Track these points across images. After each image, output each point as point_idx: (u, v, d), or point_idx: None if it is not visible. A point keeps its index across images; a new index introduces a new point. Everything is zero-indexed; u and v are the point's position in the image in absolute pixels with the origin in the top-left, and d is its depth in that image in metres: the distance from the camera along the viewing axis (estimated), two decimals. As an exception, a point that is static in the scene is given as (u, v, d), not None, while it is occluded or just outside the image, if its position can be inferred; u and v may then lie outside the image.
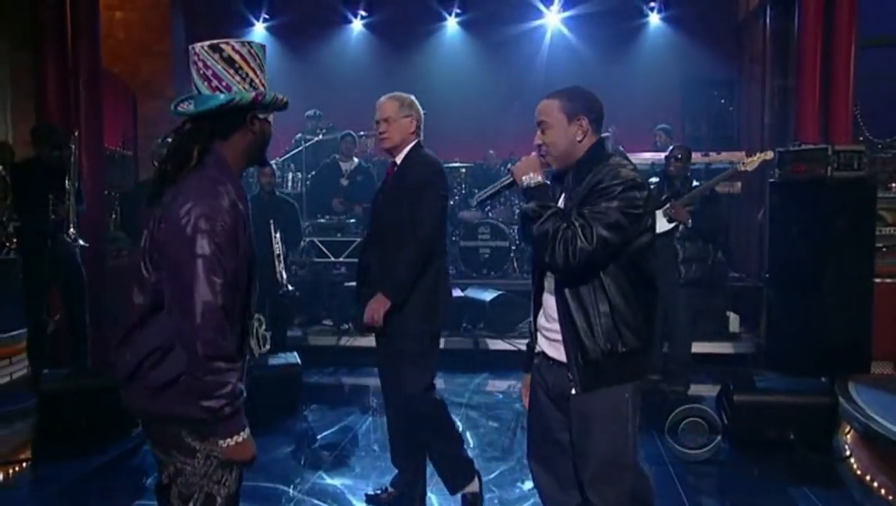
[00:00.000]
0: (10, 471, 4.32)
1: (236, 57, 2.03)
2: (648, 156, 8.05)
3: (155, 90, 8.83)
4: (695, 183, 5.72)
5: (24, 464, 4.44)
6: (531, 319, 2.52)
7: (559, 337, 2.29)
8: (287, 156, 9.01)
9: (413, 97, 3.53)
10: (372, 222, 3.60)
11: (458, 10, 10.23)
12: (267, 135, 2.15)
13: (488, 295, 6.92)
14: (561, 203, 2.34)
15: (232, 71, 2.03)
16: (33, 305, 5.61)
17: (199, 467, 2.06)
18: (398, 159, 3.46)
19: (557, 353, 2.33)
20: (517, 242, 8.01)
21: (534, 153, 2.37)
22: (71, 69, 6.81)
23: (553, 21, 10.15)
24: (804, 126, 6.52)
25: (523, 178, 2.30)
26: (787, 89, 7.35)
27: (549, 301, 2.32)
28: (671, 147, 5.95)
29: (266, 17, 10.49)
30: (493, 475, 4.13)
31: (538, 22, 10.18)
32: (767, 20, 7.85)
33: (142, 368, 2.02)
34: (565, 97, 2.33)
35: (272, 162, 9.19)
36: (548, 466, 2.44)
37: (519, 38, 10.07)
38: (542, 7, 10.06)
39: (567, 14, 10.05)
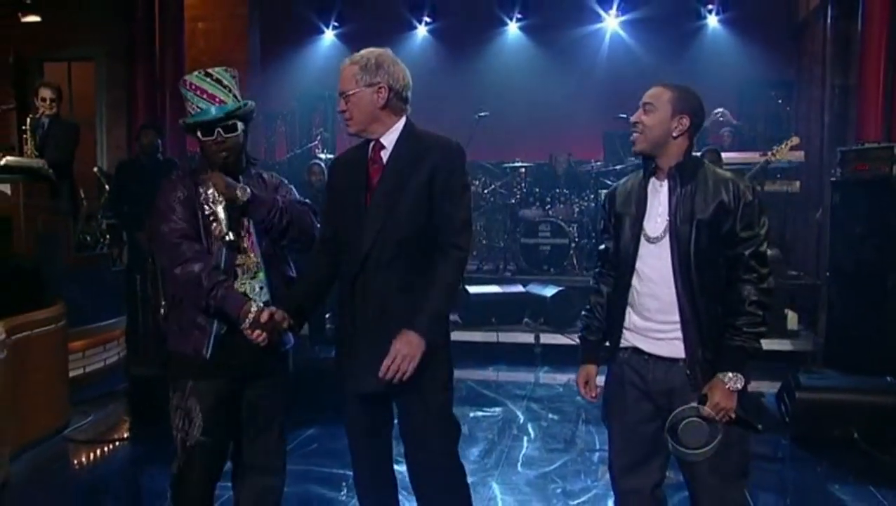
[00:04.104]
0: (106, 449, 4.47)
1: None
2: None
3: (233, 95, 9.01)
4: None
5: (118, 443, 4.58)
6: (596, 315, 2.48)
7: (668, 336, 2.28)
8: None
9: (385, 52, 2.40)
10: (367, 231, 2.35)
11: (520, 16, 10.20)
12: (206, 151, 2.48)
13: (549, 291, 6.85)
14: (663, 200, 2.31)
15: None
16: (132, 297, 5.82)
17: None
18: (386, 141, 2.40)
19: (661, 350, 2.31)
20: (576, 239, 7.91)
21: None
22: (158, 80, 7.02)
23: (612, 25, 10.02)
24: (866, 125, 6.26)
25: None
26: (848, 89, 7.06)
27: (650, 303, 2.31)
28: (704, 150, 5.80)
29: (335, 24, 10.63)
30: (555, 466, 4.08)
31: (597, 26, 10.07)
32: (828, 19, 7.56)
33: None
34: (677, 92, 2.32)
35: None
36: (628, 453, 2.43)
37: (578, 42, 9.97)
38: (600, 11, 9.94)
39: (625, 18, 9.92)
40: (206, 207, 2.45)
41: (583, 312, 2.55)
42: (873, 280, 5.36)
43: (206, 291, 2.37)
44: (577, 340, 2.59)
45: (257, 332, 2.37)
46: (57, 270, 5.19)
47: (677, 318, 2.27)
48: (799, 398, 4.38)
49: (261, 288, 2.51)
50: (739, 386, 2.20)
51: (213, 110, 2.43)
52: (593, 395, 2.51)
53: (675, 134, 2.29)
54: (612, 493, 2.46)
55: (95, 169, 7.23)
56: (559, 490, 3.77)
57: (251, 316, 2.37)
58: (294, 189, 2.67)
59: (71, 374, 4.94)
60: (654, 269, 2.30)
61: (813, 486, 3.89)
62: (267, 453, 2.61)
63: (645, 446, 2.38)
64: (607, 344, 2.46)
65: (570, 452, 4.32)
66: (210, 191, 2.45)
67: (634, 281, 2.33)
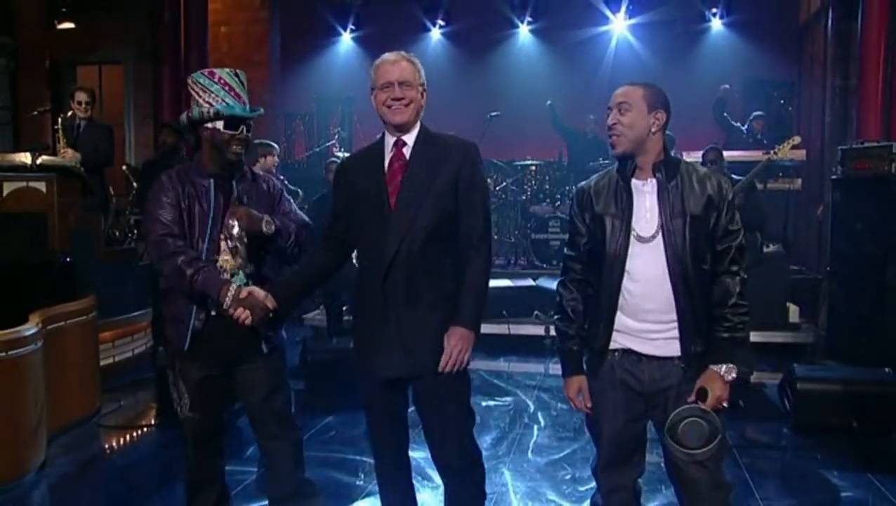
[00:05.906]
0: (135, 434, 4.51)
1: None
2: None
3: (254, 96, 8.98)
4: (734, 177, 5.53)
5: (146, 429, 4.62)
6: (575, 321, 2.34)
7: (663, 336, 2.23)
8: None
9: None
10: (395, 227, 2.33)
11: (530, 19, 10.21)
12: (219, 145, 2.53)
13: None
14: (650, 198, 2.25)
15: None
16: (157, 290, 5.84)
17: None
18: (408, 140, 2.41)
19: (657, 350, 2.24)
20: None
21: None
22: (183, 81, 7.05)
23: (619, 28, 9.99)
24: (866, 124, 6.22)
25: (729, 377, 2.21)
26: (849, 89, 7.01)
27: (645, 304, 2.23)
28: (706, 148, 5.75)
29: (352, 28, 10.63)
30: (565, 453, 4.08)
31: (605, 28, 10.04)
32: (829, 22, 7.50)
33: None
34: (649, 89, 2.27)
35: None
36: (617, 453, 2.35)
37: (587, 44, 9.96)
38: (609, 14, 9.90)
39: (633, 21, 9.88)
40: (227, 242, 2.49)
41: (556, 321, 2.40)
42: (873, 274, 5.33)
43: (188, 278, 2.42)
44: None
45: (240, 310, 2.40)
46: (88, 263, 5.24)
47: (673, 316, 2.21)
48: (800, 389, 4.36)
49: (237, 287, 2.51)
50: (734, 375, 2.20)
51: (241, 108, 2.44)
52: (589, 405, 2.35)
53: (653, 130, 2.25)
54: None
55: (124, 167, 7.29)
56: (568, 477, 3.78)
57: (230, 295, 2.41)
58: (292, 201, 2.74)
59: (101, 363, 4.99)
60: (648, 268, 2.22)
61: (813, 473, 3.87)
62: (269, 423, 2.70)
63: (632, 443, 2.34)
64: (592, 349, 2.33)
65: (578, 440, 4.32)
66: (235, 225, 2.47)
67: (625, 283, 2.23)
